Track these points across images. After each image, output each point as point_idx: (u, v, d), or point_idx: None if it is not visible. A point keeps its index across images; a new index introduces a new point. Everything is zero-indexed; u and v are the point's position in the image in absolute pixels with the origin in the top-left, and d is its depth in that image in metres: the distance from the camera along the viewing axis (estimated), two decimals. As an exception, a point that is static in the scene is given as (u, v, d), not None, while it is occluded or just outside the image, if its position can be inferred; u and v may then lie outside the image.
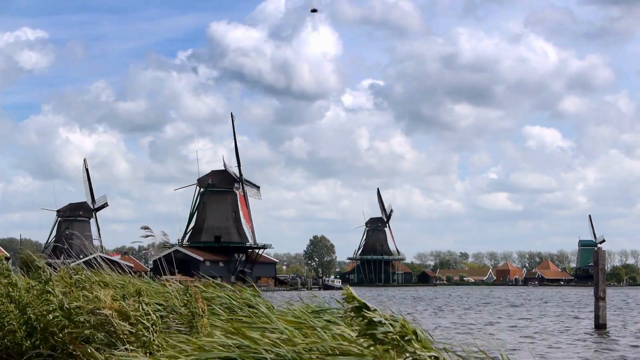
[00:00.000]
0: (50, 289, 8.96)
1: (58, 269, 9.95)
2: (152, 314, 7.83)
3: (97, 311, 8.03)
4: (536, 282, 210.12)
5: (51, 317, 8.64)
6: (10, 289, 9.67)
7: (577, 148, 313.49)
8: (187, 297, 8.31)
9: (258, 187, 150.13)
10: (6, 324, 9.30)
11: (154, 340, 7.55)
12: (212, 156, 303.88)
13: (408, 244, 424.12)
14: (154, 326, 7.69)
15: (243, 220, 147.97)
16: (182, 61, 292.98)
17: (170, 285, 9.90)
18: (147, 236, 11.55)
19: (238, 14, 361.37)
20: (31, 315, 9.05)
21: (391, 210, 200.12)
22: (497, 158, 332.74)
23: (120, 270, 11.50)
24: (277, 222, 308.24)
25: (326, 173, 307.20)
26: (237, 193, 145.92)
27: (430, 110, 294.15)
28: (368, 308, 4.37)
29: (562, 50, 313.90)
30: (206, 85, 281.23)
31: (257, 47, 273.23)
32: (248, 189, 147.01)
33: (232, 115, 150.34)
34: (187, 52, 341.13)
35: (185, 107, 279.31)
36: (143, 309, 7.81)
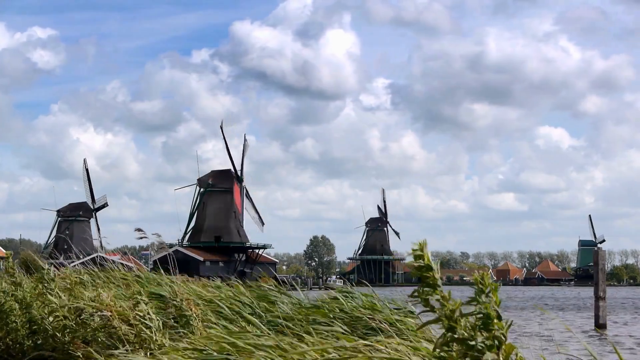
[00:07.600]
0: (50, 290, 8.97)
1: (58, 269, 9.97)
2: (153, 315, 7.85)
3: (99, 313, 8.05)
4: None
5: (52, 319, 8.66)
6: (14, 288, 9.68)
7: (588, 147, 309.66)
8: (178, 302, 8.31)
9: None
10: (10, 322, 9.30)
11: (156, 339, 7.57)
12: (225, 156, 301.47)
13: (411, 244, 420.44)
14: (155, 325, 7.70)
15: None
16: (198, 59, 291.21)
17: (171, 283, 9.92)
18: (141, 237, 11.63)
19: (258, 12, 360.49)
20: (35, 312, 9.06)
21: (384, 205, 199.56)
22: (508, 158, 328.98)
23: (127, 269, 11.55)
24: (280, 222, 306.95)
25: (336, 173, 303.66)
26: (235, 189, 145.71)
27: (449, 109, 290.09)
28: (431, 269, 3.91)
29: (586, 50, 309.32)
30: (220, 84, 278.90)
31: (277, 46, 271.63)
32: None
33: (222, 123, 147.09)
34: (201, 51, 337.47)
35: (199, 107, 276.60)
36: (143, 311, 7.82)
